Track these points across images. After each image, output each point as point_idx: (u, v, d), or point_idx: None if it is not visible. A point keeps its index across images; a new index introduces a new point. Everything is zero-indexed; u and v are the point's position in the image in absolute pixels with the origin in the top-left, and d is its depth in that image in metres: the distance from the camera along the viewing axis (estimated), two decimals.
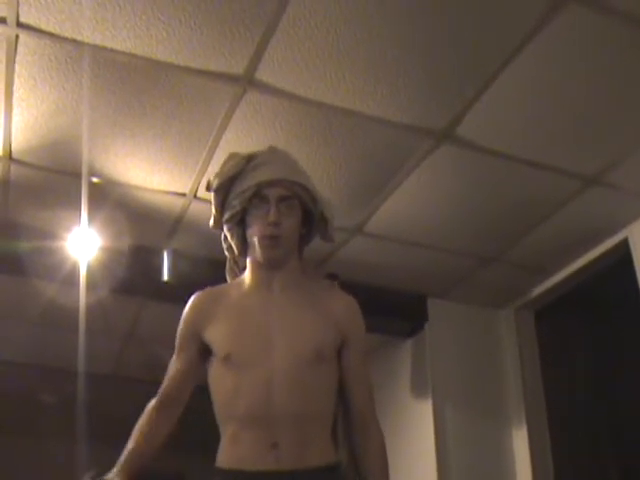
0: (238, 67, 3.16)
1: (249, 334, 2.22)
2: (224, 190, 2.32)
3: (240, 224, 2.31)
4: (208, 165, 3.70)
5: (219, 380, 2.21)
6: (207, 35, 2.99)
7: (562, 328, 5.09)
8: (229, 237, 2.38)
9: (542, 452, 4.74)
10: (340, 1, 2.87)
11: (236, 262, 2.46)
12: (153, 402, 2.31)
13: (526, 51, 3.09)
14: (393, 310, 4.97)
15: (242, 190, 2.27)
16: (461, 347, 5.03)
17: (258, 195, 2.25)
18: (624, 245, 4.28)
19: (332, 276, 4.39)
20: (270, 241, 2.24)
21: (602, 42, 3.07)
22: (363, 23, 2.96)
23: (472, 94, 3.33)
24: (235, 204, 2.28)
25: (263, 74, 3.19)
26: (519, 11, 2.92)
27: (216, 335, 2.19)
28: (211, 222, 2.40)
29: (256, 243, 2.26)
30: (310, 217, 2.36)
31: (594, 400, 4.98)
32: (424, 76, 3.24)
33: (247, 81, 3.23)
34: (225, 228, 2.35)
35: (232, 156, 2.35)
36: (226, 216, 2.31)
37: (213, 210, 2.38)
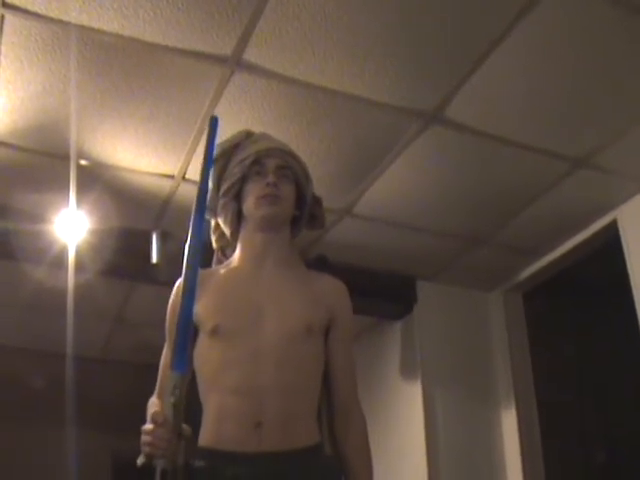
0: (226, 48, 3.14)
1: (238, 306, 2.22)
2: (223, 161, 2.39)
3: (236, 199, 2.35)
4: (196, 146, 3.69)
5: (206, 353, 2.18)
6: (194, 16, 2.97)
7: (550, 310, 5.11)
8: (222, 217, 2.39)
9: (530, 433, 4.76)
10: None
11: (224, 253, 2.47)
12: (154, 399, 2.24)
13: (515, 33, 3.09)
14: (382, 292, 4.98)
15: (242, 158, 2.34)
16: (450, 329, 5.04)
17: (257, 163, 2.33)
18: (613, 227, 4.29)
19: (321, 258, 4.40)
20: (269, 199, 2.29)
21: (591, 24, 3.06)
22: (351, 4, 2.95)
23: (461, 76, 3.33)
24: (235, 172, 2.34)
25: (251, 55, 3.18)
26: None
27: (204, 309, 2.17)
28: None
29: (253, 207, 2.30)
30: (302, 200, 2.40)
31: (582, 381, 5.00)
32: (413, 57, 3.23)
33: (235, 62, 3.21)
34: (220, 205, 2.37)
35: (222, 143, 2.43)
36: (223, 188, 2.35)
37: (210, 185, 2.39)
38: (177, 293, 2.30)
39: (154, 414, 1.89)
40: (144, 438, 1.88)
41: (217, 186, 2.39)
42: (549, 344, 5.03)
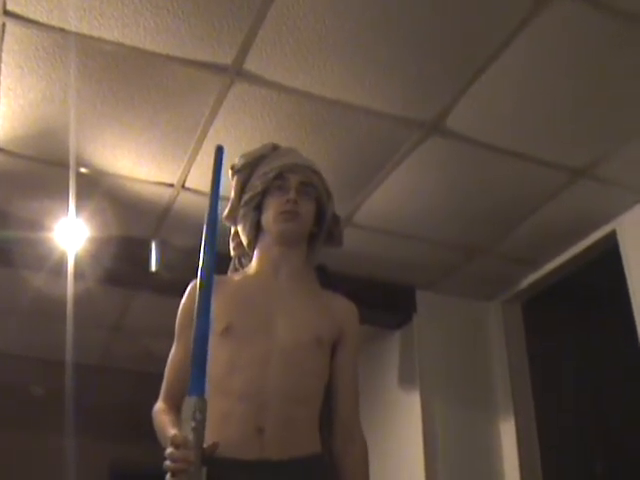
0: (226, 57, 3.15)
1: (251, 310, 2.23)
2: (247, 171, 2.40)
3: (256, 210, 2.36)
4: (196, 155, 3.69)
5: (214, 354, 2.12)
6: (195, 25, 2.98)
7: (549, 320, 5.10)
8: (241, 226, 2.41)
9: (529, 443, 4.75)
10: None
11: (241, 262, 2.49)
12: (160, 404, 2.22)
13: (515, 43, 3.09)
14: (381, 302, 4.97)
15: (266, 171, 2.36)
16: (449, 339, 5.03)
17: (280, 177, 2.34)
18: (612, 237, 4.29)
19: (321, 267, 4.39)
20: (288, 215, 2.30)
21: (591, 35, 3.07)
22: (351, 14, 2.96)
23: (461, 86, 3.33)
24: (257, 184, 2.35)
25: (251, 65, 3.19)
26: (508, 3, 2.92)
27: (216, 310, 2.12)
28: (225, 212, 2.43)
29: (272, 221, 2.32)
30: (321, 217, 2.42)
31: (581, 392, 4.99)
32: (413, 68, 3.23)
33: (235, 72, 3.22)
34: (240, 214, 2.39)
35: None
36: (245, 198, 2.37)
37: (232, 194, 2.42)
38: (190, 292, 2.30)
39: (174, 437, 1.81)
40: (167, 465, 1.79)
41: (239, 196, 2.41)
42: (548, 354, 5.02)
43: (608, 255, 4.33)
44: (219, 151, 2.19)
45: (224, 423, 2.09)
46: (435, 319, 5.06)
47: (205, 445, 1.86)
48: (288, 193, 2.31)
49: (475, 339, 5.11)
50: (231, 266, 2.52)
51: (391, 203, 4.13)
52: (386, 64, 3.21)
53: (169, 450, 1.80)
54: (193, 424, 1.78)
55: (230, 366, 2.15)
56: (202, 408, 1.80)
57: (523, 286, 4.95)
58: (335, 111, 3.46)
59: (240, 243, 2.47)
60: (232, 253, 2.52)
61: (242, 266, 2.48)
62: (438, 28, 3.04)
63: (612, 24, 3.00)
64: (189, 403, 1.79)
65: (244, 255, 2.48)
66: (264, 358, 2.14)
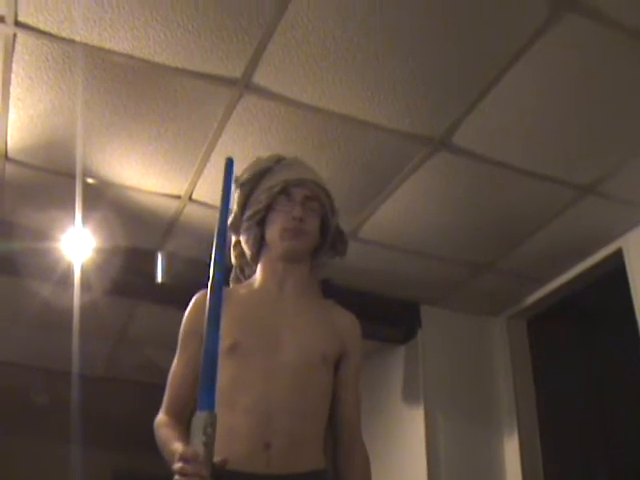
0: (235, 71, 3.16)
1: (257, 326, 2.22)
2: (251, 185, 2.38)
3: (260, 225, 2.35)
4: (204, 168, 3.70)
5: (220, 370, 2.16)
6: (205, 38, 3.00)
7: (554, 337, 5.09)
8: (244, 238, 2.39)
9: (533, 459, 4.74)
10: (338, 7, 2.88)
11: (242, 271, 2.48)
12: (162, 416, 2.20)
13: (523, 60, 3.10)
14: (386, 317, 4.97)
15: (270, 186, 2.33)
16: (453, 354, 5.03)
17: (285, 192, 2.32)
18: (618, 255, 4.28)
19: (325, 282, 4.39)
20: (293, 233, 2.28)
21: (599, 53, 3.07)
22: (361, 29, 2.97)
23: (469, 102, 3.34)
24: (261, 199, 2.33)
25: (260, 78, 3.20)
26: (517, 20, 2.93)
27: (222, 326, 2.14)
28: (228, 222, 2.41)
29: (277, 237, 2.30)
30: (325, 230, 2.40)
31: (585, 408, 4.98)
32: (421, 84, 3.24)
33: (244, 85, 3.23)
34: (243, 227, 2.37)
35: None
36: (248, 213, 2.35)
37: (235, 207, 2.40)
38: (195, 304, 2.30)
39: (184, 452, 1.78)
40: (177, 479, 1.77)
41: (242, 208, 2.39)
42: (552, 370, 5.01)
43: (614, 273, 4.32)
44: (229, 163, 2.19)
45: (230, 437, 2.08)
46: (440, 334, 5.05)
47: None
48: (293, 209, 2.30)
49: (480, 355, 5.10)
50: (232, 275, 2.50)
51: (397, 218, 4.13)
52: (394, 79, 3.21)
53: (179, 464, 1.78)
54: (204, 439, 1.76)
55: (236, 382, 2.14)
56: (213, 423, 1.78)
57: (528, 303, 4.94)
58: (343, 126, 3.47)
59: (242, 253, 2.45)
60: (233, 262, 2.49)
61: (244, 276, 2.46)
62: (446, 44, 3.05)
63: (620, 41, 3.00)
64: (199, 418, 1.78)
65: (247, 265, 2.46)
66: (270, 375, 2.14)
